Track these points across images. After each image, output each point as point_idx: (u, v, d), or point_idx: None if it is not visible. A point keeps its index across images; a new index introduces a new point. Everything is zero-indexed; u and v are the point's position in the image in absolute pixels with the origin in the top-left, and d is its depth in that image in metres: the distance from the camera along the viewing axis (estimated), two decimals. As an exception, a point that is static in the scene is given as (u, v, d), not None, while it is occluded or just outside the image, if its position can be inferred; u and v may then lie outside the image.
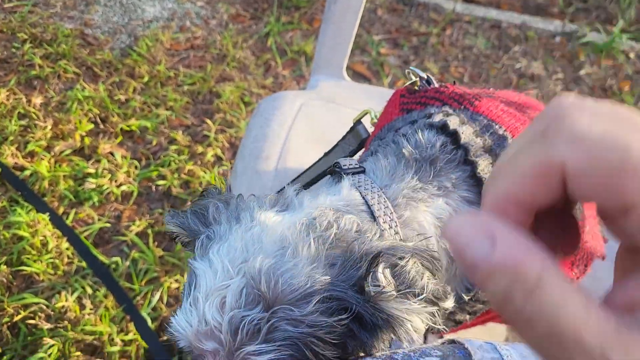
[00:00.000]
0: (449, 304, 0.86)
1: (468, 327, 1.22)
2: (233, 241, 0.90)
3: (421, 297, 0.82)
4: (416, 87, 1.19)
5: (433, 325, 0.84)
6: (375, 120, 1.27)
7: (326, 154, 1.35)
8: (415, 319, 0.83)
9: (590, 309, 0.33)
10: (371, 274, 0.81)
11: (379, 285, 0.81)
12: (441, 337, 1.28)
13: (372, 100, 1.67)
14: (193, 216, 1.01)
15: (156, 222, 2.59)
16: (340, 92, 1.93)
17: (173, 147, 2.88)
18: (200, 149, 2.89)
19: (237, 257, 0.87)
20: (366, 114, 1.30)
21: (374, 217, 0.97)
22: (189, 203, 2.65)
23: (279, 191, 1.11)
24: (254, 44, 3.58)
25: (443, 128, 1.08)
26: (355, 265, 0.84)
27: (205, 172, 2.78)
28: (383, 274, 0.82)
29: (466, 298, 1.07)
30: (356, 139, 1.30)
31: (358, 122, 1.31)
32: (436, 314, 0.84)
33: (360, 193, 1.00)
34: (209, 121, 3.02)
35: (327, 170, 1.11)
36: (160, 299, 2.29)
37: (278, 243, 0.88)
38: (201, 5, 3.80)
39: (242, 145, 1.79)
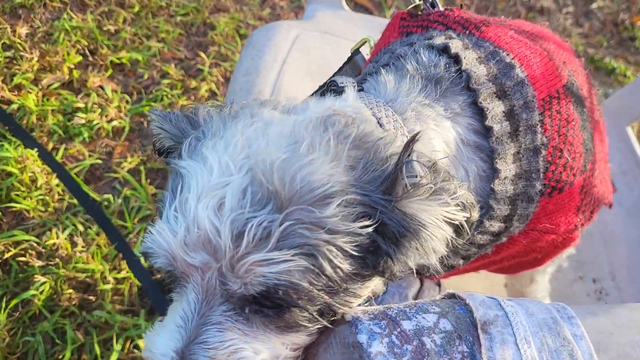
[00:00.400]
0: (476, 214, 0.78)
1: (461, 273, 1.16)
2: (231, 137, 0.77)
3: (455, 196, 0.74)
4: (419, 12, 1.09)
5: (453, 246, 0.77)
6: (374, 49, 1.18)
7: (321, 87, 1.26)
8: (446, 227, 0.75)
9: None
10: (406, 164, 0.72)
11: (416, 176, 0.72)
12: (438, 284, 1.23)
13: (372, 31, 1.56)
14: (181, 117, 0.89)
15: (149, 159, 2.51)
16: (339, 22, 1.81)
17: (165, 82, 2.77)
18: (193, 83, 2.78)
19: (238, 153, 0.74)
20: (365, 42, 1.20)
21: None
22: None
23: None
24: (250, -27, 3.40)
25: (444, 51, 0.98)
26: (382, 165, 0.74)
27: (199, 108, 2.68)
28: (420, 163, 0.73)
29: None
30: (354, 70, 1.21)
31: (356, 51, 1.21)
32: (463, 228, 0.77)
33: (366, 105, 0.90)
34: (202, 54, 2.90)
35: (321, 90, 1.01)
36: (153, 237, 2.24)
37: (290, 137, 0.76)
38: None
39: (233, 79, 1.69)
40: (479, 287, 1.38)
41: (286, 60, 1.66)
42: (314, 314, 0.75)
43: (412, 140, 0.73)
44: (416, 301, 0.72)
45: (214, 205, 0.71)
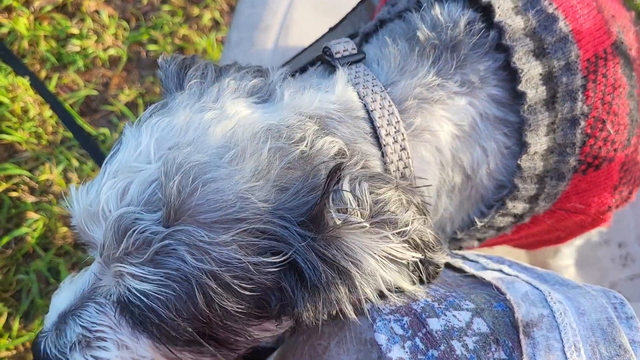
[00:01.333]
0: (440, 258, 0.67)
1: (473, 248, 1.06)
2: (177, 118, 0.71)
3: (403, 231, 0.61)
4: None
5: (412, 289, 0.65)
6: None
7: (331, 29, 1.11)
8: (386, 270, 0.62)
9: None
10: (333, 193, 0.61)
11: (344, 209, 0.60)
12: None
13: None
14: (176, 73, 0.82)
15: (147, 92, 2.37)
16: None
17: (166, 8, 2.58)
18: (196, 11, 2.60)
19: (168, 138, 0.68)
20: None
21: (374, 127, 0.77)
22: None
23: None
24: None
25: (472, 0, 0.84)
26: (313, 191, 0.63)
27: (201, 38, 2.51)
28: (352, 192, 0.61)
29: (479, 224, 0.89)
30: (369, 11, 1.06)
31: None
32: (420, 267, 0.65)
33: (358, 93, 0.79)
34: (206, -21, 2.70)
35: (316, 57, 0.88)
36: (152, 175, 2.14)
37: (224, 140, 0.67)
38: None
39: (238, 11, 1.53)
40: (498, 251, 1.29)
41: (296, -8, 1.49)
42: (183, 339, 0.67)
43: (339, 167, 0.61)
44: (446, 292, 0.61)
45: (120, 188, 0.66)
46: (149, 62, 2.46)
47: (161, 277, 0.62)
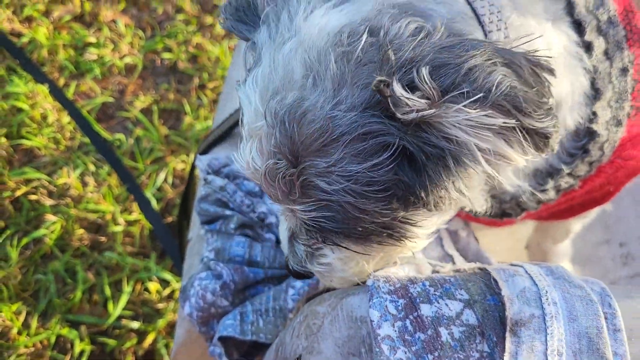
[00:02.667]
0: (545, 126, 0.59)
1: (494, 225, 1.08)
2: (266, 65, 0.70)
3: (485, 95, 0.56)
4: None
5: (518, 157, 0.61)
6: None
7: None
8: (485, 139, 0.59)
9: None
10: (403, 73, 0.58)
11: (422, 89, 0.56)
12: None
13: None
14: (243, 9, 0.79)
15: (162, 99, 2.44)
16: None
17: (180, 17, 2.65)
18: (209, 19, 2.66)
19: (266, 90, 0.69)
20: None
21: (475, 13, 0.75)
22: (197, 79, 2.48)
23: None
24: None
25: None
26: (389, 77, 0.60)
27: (214, 46, 2.58)
28: (420, 77, 0.56)
29: (566, 170, 0.91)
30: None
31: None
32: (513, 135, 0.59)
33: None
34: (219, -11, 2.76)
35: None
36: (165, 179, 2.20)
37: (303, 68, 0.67)
38: None
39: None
40: (501, 247, 1.32)
41: None
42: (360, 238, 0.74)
43: (411, 47, 0.59)
44: (446, 277, 0.64)
45: (255, 148, 0.70)
46: (163, 69, 2.53)
47: (315, 205, 0.68)
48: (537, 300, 0.59)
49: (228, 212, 1.13)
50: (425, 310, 0.59)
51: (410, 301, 0.60)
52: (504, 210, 0.96)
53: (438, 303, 0.59)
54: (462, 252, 1.03)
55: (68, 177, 2.14)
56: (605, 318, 0.58)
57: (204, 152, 1.36)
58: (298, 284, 1.04)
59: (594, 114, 0.88)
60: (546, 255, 1.31)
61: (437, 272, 0.79)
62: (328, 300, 0.68)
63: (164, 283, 1.97)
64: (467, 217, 1.11)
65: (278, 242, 1.14)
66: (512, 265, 0.65)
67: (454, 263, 0.90)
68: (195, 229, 1.25)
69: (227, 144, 1.36)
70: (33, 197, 2.10)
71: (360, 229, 0.70)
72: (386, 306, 0.60)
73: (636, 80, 0.91)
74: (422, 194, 0.66)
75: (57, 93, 2.34)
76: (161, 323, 1.87)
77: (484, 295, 0.61)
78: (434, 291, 0.61)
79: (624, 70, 0.89)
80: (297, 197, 0.69)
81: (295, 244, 0.84)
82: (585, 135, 0.90)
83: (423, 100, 0.57)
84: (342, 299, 0.67)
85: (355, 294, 0.67)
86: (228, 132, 1.34)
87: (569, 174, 0.94)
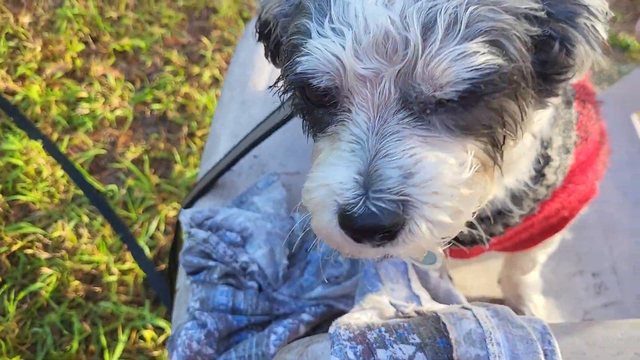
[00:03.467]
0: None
1: (464, 257, 1.14)
2: None
3: None
4: None
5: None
6: None
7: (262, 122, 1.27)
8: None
9: None
10: None
11: None
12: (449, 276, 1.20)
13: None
14: None
15: (152, 148, 2.51)
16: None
17: (168, 68, 2.75)
18: (196, 69, 2.76)
19: None
20: None
21: None
22: (186, 128, 2.57)
23: None
24: (253, -47, 3.34)
25: None
26: None
27: (201, 95, 2.67)
28: None
29: (532, 185, 0.98)
30: None
31: None
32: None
33: None
34: (205, 39, 2.87)
35: None
36: (158, 227, 2.26)
37: None
38: None
39: (229, 71, 1.67)
40: (476, 283, 1.37)
41: (282, 53, 1.63)
42: (500, 113, 0.71)
43: None
44: (402, 321, 0.70)
45: (383, 3, 0.64)
46: (153, 119, 2.61)
47: (479, 43, 0.64)
48: (482, 342, 0.64)
49: (211, 263, 1.19)
50: (381, 354, 0.64)
51: (368, 347, 0.66)
52: (473, 237, 1.02)
53: (392, 347, 0.65)
54: (433, 291, 1.08)
55: (63, 230, 2.20)
56: (545, 355, 0.64)
57: (190, 204, 1.43)
58: (280, 329, 1.09)
59: (551, 139, 0.96)
60: (517, 287, 1.36)
61: (402, 312, 0.85)
62: (296, 348, 0.73)
63: (159, 330, 2.01)
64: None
65: (260, 289, 1.20)
66: (462, 308, 0.71)
67: (419, 304, 0.96)
68: (182, 279, 1.31)
69: (212, 194, 1.42)
70: (29, 250, 2.16)
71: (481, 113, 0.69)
72: (346, 352, 0.66)
73: (579, 112, 1.01)
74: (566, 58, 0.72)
75: (50, 148, 2.41)
76: (156, 370, 1.91)
77: (434, 338, 0.67)
78: (389, 336, 0.67)
79: (569, 103, 0.99)
80: (458, 37, 0.63)
81: (382, 164, 0.66)
82: (542, 160, 0.98)
83: None
84: (307, 346, 0.72)
85: (319, 341, 0.72)
86: (212, 183, 1.41)
87: (532, 199, 1.01)
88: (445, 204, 0.66)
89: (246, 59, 1.62)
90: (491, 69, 0.64)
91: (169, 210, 2.31)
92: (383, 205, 0.64)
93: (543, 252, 1.31)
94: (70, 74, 2.70)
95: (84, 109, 2.55)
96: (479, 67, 0.63)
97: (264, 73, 1.59)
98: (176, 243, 1.69)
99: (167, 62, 2.79)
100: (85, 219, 2.26)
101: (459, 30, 0.62)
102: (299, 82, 0.71)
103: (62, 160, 2.39)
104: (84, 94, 2.60)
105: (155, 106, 2.62)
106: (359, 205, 0.65)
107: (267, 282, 1.20)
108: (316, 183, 0.71)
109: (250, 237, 1.22)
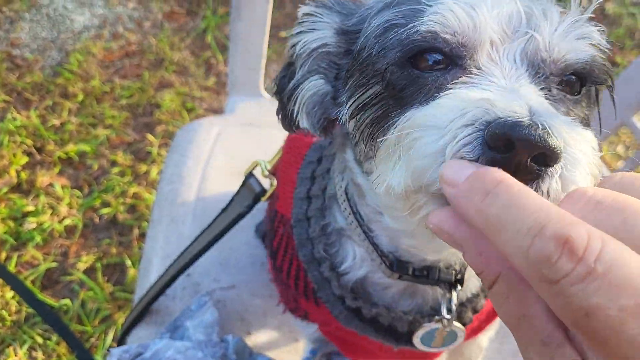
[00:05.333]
0: None
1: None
2: None
3: None
4: None
5: None
6: (266, 172, 1.16)
7: (223, 210, 1.25)
8: None
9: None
10: None
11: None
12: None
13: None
14: None
15: (104, 254, 2.49)
16: (260, 112, 1.81)
17: (115, 170, 2.75)
18: (144, 167, 2.77)
19: None
20: (256, 166, 1.19)
21: None
22: (137, 230, 2.55)
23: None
24: (192, 42, 3.41)
25: None
26: None
27: (150, 193, 2.66)
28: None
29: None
30: (250, 193, 1.19)
31: (249, 175, 1.19)
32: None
33: None
34: (150, 136, 2.89)
35: None
36: (114, 337, 2.20)
37: None
38: (133, 6, 3.60)
39: (159, 189, 1.67)
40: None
41: (208, 161, 1.64)
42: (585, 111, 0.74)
43: None
44: None
45: None
46: (103, 224, 2.59)
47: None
48: None
49: (143, 405, 1.15)
50: None
51: None
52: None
53: None
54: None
55: (15, 355, 2.13)
56: None
57: (125, 334, 1.40)
58: None
59: None
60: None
61: None
62: None
63: None
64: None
65: None
66: None
67: None
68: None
69: (146, 322, 1.40)
70: (-19, 383, 2.09)
71: None
72: None
73: None
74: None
75: (-2, 269, 2.37)
76: None
77: None
78: None
79: None
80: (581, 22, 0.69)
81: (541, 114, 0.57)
82: None
83: None
84: None
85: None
86: (145, 310, 1.39)
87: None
88: (589, 170, 0.60)
89: (173, 174, 1.63)
90: (599, 58, 0.70)
91: (124, 318, 2.26)
92: (553, 129, 0.54)
93: (486, 336, 1.30)
94: (16, 188, 2.68)
95: (31, 223, 2.52)
96: (592, 52, 0.69)
97: (193, 186, 1.59)
98: None
99: (114, 163, 2.79)
100: (40, 339, 2.20)
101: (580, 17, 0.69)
102: (418, 47, 0.69)
103: (11, 280, 2.33)
104: (30, 208, 2.58)
105: (105, 210, 2.60)
106: (525, 116, 0.55)
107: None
108: (453, 101, 0.62)
109: (183, 369, 1.20)
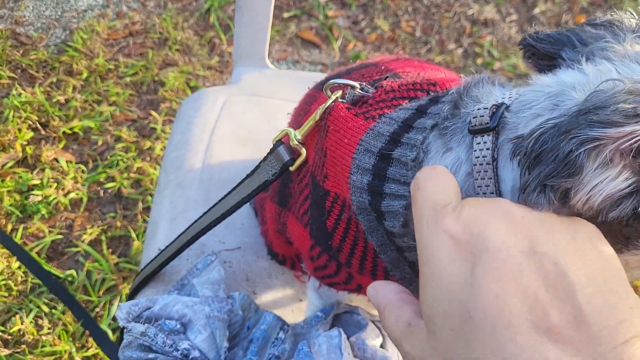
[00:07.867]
0: None
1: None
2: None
3: None
4: (358, 92, 0.95)
5: None
6: (296, 142, 1.09)
7: (249, 175, 1.21)
8: None
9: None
10: None
11: None
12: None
13: (299, 87, 1.57)
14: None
15: (109, 227, 2.52)
16: (265, 82, 1.83)
17: (119, 145, 2.78)
18: (148, 143, 2.79)
19: None
20: (285, 134, 1.12)
21: None
22: (141, 203, 2.58)
23: None
24: (195, 23, 3.42)
25: None
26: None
27: (155, 169, 2.69)
28: None
29: None
30: (278, 161, 1.14)
31: (278, 142, 1.14)
32: None
33: None
34: (154, 113, 2.92)
35: None
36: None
37: None
38: (137, -14, 3.61)
39: (165, 155, 1.70)
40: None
41: (214, 130, 1.67)
42: None
43: None
44: None
45: None
46: (108, 198, 2.63)
47: None
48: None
49: (151, 356, 1.19)
50: None
51: None
52: None
53: None
54: (368, 361, 1.10)
55: (21, 324, 2.17)
56: None
57: (134, 292, 1.44)
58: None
59: None
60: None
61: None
62: None
63: (127, 416, 1.97)
64: None
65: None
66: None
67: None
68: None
69: (155, 281, 1.43)
70: (-12, 349, 2.12)
71: None
72: None
73: None
74: None
75: (4, 240, 2.40)
76: None
77: None
78: None
79: None
80: None
81: None
82: None
83: None
84: None
85: None
86: (155, 273, 1.41)
87: None
88: None
89: (180, 141, 1.65)
90: None
91: (129, 290, 2.29)
92: None
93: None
94: (22, 162, 2.71)
95: (37, 196, 2.55)
96: None
97: (199, 153, 1.62)
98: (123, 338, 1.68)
99: (118, 139, 2.82)
100: (45, 308, 2.24)
101: None
102: None
103: (17, 251, 2.37)
104: (36, 181, 2.60)
105: (109, 185, 2.63)
106: None
107: (211, 366, 1.20)
108: None
109: (190, 323, 1.23)
